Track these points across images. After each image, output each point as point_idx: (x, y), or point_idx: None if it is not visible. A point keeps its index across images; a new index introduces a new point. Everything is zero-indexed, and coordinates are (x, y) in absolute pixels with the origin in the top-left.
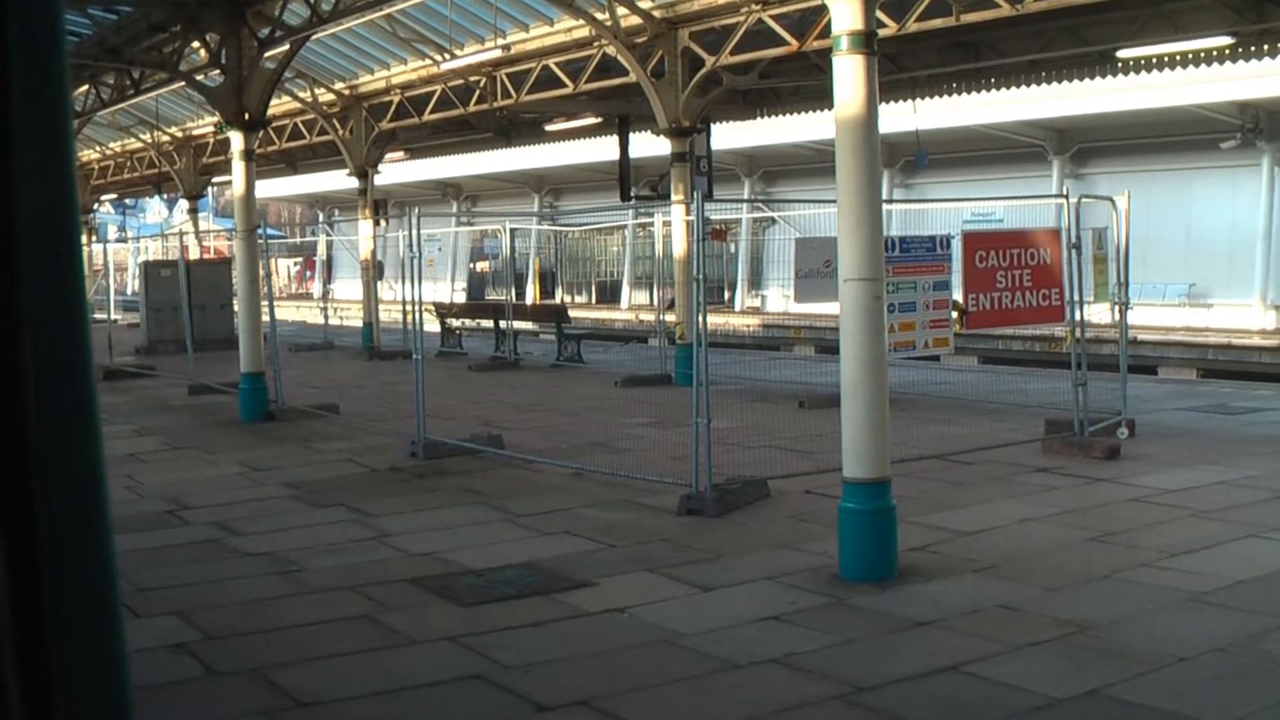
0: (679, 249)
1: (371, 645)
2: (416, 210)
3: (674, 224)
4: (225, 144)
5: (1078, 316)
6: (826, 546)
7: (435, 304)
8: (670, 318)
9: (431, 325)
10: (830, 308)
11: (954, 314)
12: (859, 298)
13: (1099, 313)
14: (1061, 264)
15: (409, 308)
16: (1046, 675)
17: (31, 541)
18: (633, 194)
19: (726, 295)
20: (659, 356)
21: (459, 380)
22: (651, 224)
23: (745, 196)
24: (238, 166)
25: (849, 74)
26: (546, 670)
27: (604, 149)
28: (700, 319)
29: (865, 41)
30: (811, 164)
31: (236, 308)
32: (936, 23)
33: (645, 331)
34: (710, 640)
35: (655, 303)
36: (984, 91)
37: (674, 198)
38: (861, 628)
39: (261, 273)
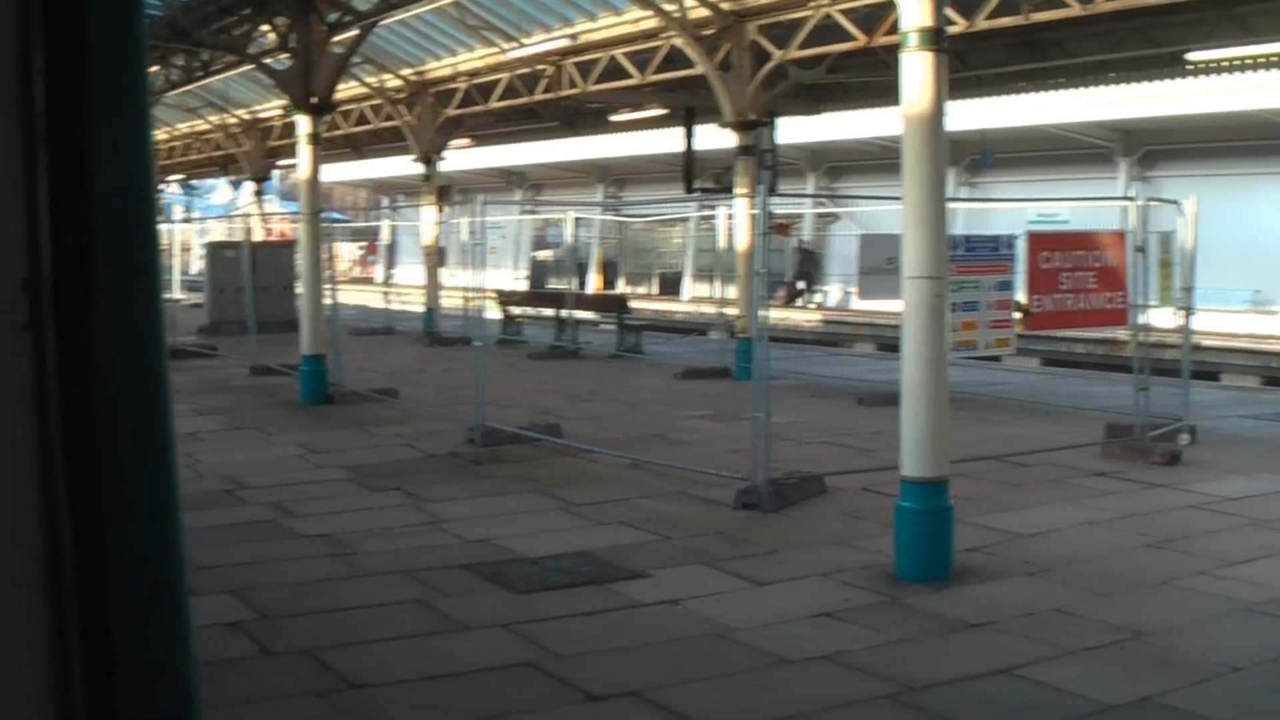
0: (742, 242)
1: (423, 630)
2: (482, 198)
3: (737, 217)
4: (292, 127)
5: (1141, 320)
6: (881, 545)
7: (497, 291)
8: (784, 313)
9: (493, 313)
10: (892, 305)
11: (1016, 314)
12: (921, 296)
13: (1162, 317)
14: (1126, 267)
15: (470, 294)
16: (1098, 681)
17: (100, 518)
18: (696, 186)
19: (801, 288)
20: (719, 349)
21: (518, 368)
22: (713, 216)
23: (809, 191)
24: (303, 150)
25: (917, 71)
26: (597, 660)
27: (668, 140)
28: (762, 313)
29: (934, 38)
30: (877, 160)
31: (299, 290)
32: (1005, 21)
33: (705, 324)
34: (762, 635)
35: (718, 295)
36: (1051, 91)
37: (738, 191)
38: (914, 627)
39: (324, 256)
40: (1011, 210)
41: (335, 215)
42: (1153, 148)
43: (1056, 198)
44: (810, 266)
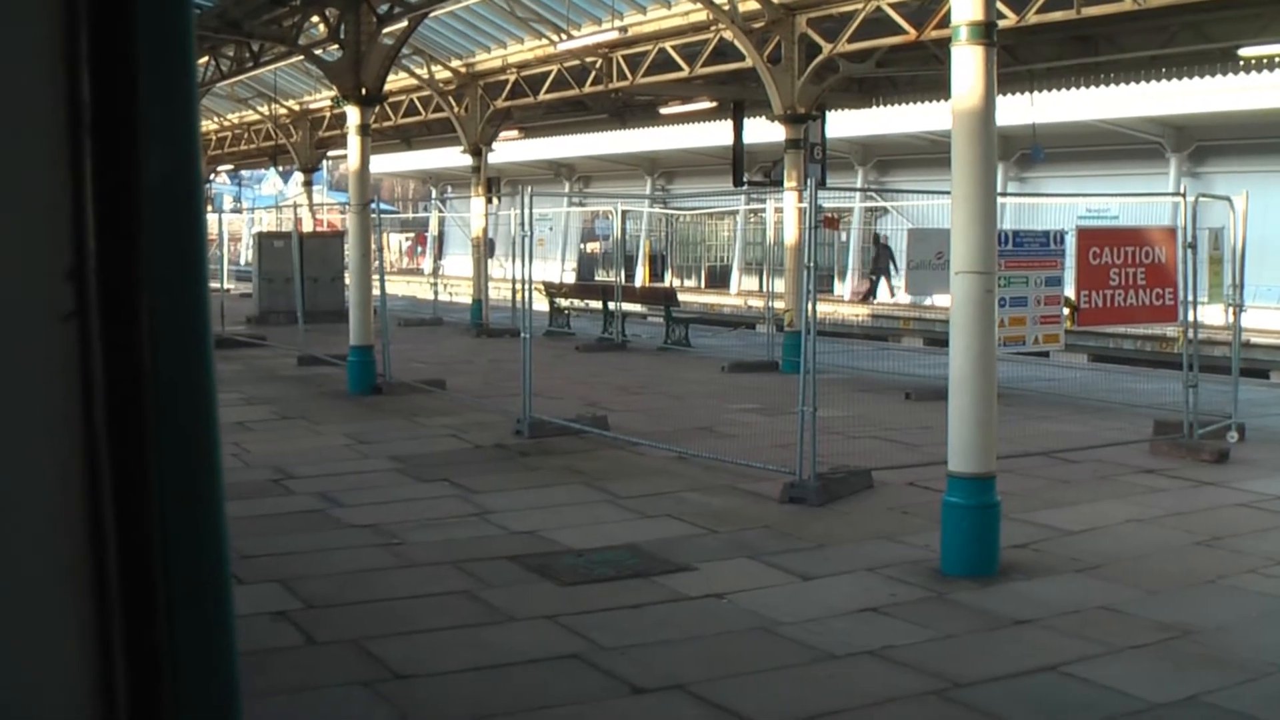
0: (790, 236)
1: (470, 621)
2: (529, 189)
3: (786, 211)
4: (341, 118)
5: (1190, 317)
6: (928, 540)
7: (544, 283)
8: (862, 310)
9: (540, 304)
10: (939, 299)
11: (1065, 310)
12: (970, 291)
13: (1212, 314)
14: (1176, 263)
15: (518, 286)
16: (1146, 679)
17: (144, 506)
18: (745, 179)
19: (877, 283)
20: (767, 343)
21: (565, 360)
22: (761, 210)
23: (858, 185)
24: (353, 141)
25: (968, 65)
26: (643, 653)
27: (717, 133)
28: (810, 306)
29: (985, 32)
30: (927, 154)
31: (347, 281)
32: (1057, 15)
33: (753, 317)
34: (808, 630)
35: (765, 288)
36: (1102, 86)
37: (787, 184)
38: (960, 623)
39: (374, 247)
40: (1061, 205)
41: (384, 206)
42: (1203, 143)
43: (1107, 193)
44: (887, 260)
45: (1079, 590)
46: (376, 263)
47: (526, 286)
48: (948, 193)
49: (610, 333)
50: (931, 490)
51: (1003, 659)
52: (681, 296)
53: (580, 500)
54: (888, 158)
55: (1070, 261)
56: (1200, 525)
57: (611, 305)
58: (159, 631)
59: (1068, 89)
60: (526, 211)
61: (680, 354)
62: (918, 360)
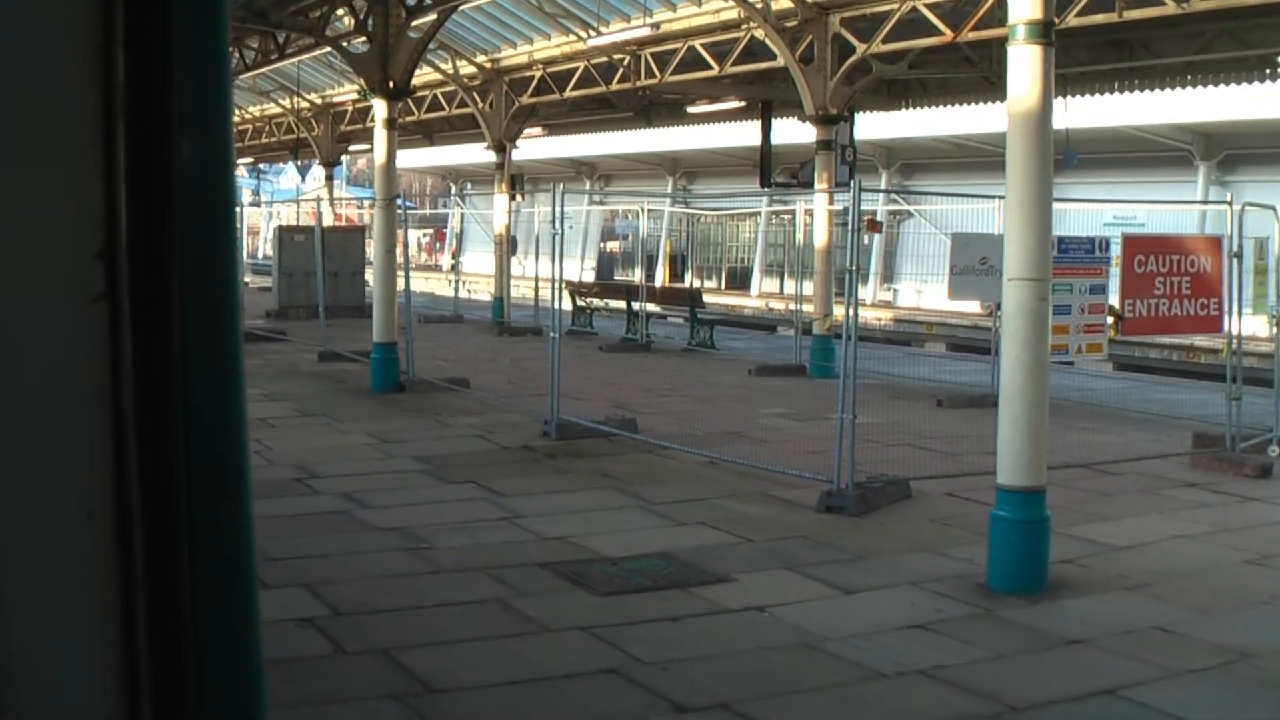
0: (820, 238)
1: (503, 631)
2: (560, 186)
3: (816, 212)
4: (364, 112)
5: (1234, 328)
6: (971, 553)
7: (569, 282)
8: (885, 314)
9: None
10: (967, 305)
11: (1109, 319)
12: (1024, 298)
13: (1255, 325)
14: (1221, 273)
15: (548, 285)
16: (1208, 705)
17: (171, 490)
18: (773, 181)
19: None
20: (794, 347)
21: (590, 360)
22: (784, 211)
23: (882, 187)
24: (380, 135)
25: (1025, 65)
26: (685, 668)
27: (740, 134)
28: (852, 311)
29: (1043, 31)
30: (952, 158)
31: (368, 276)
32: (1098, 18)
33: (775, 320)
34: (854, 646)
35: (794, 291)
36: (1136, 92)
37: (818, 186)
38: (1012, 642)
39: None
40: (1087, 211)
41: (406, 204)
42: (1233, 151)
43: (1136, 199)
44: None
45: (1130, 609)
46: (401, 259)
47: (556, 285)
48: (990, 196)
49: (634, 333)
50: (972, 501)
51: (1058, 681)
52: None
53: (611, 505)
54: (912, 161)
55: (1115, 269)
56: (1248, 543)
57: (635, 305)
58: (184, 616)
59: (1101, 94)
60: (558, 209)
61: (705, 356)
62: (946, 366)
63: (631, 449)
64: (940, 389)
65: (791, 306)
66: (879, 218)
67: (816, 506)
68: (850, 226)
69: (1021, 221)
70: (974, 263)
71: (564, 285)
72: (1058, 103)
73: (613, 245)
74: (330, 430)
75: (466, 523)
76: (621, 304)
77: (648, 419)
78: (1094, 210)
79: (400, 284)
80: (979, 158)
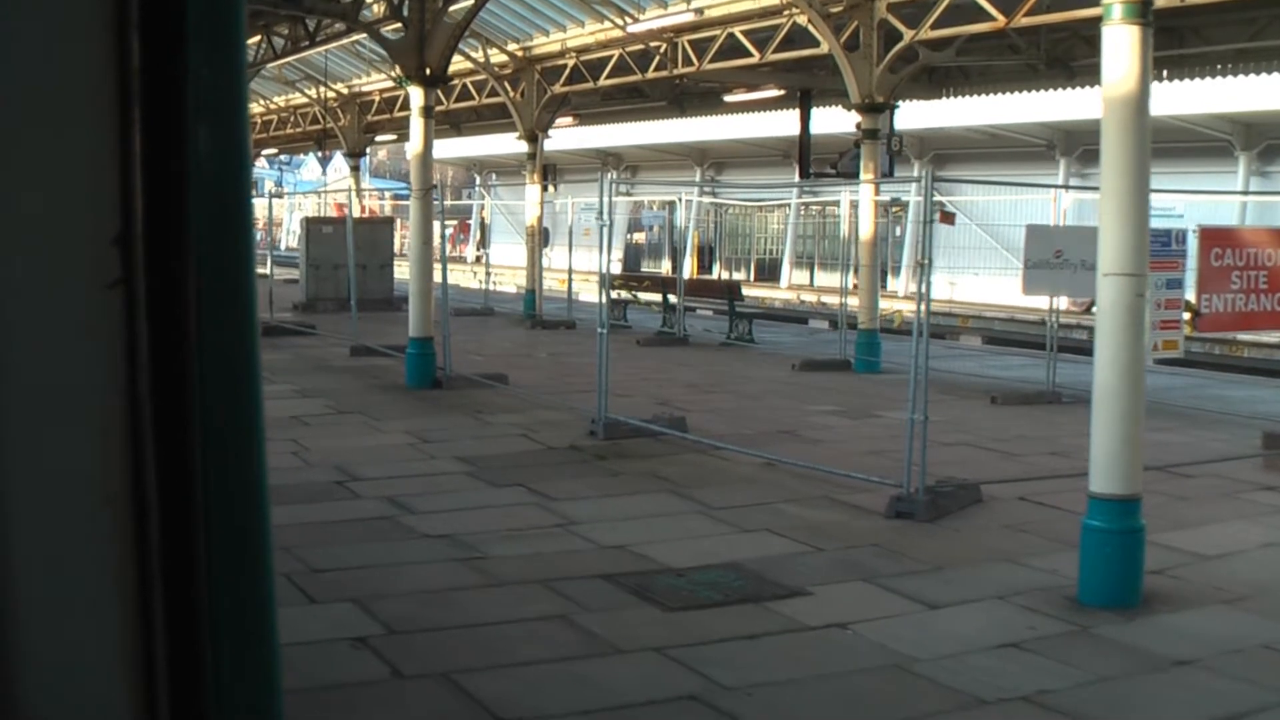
0: (866, 230)
1: (570, 652)
2: (610, 175)
3: (862, 203)
4: (391, 102)
5: None
6: (1054, 563)
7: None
8: (885, 303)
9: (589, 295)
10: (1004, 297)
11: (1185, 315)
12: (1120, 295)
13: None
14: None
15: (581, 277)
16: None
17: (188, 473)
18: (812, 171)
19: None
20: (839, 341)
21: (628, 355)
22: (815, 203)
23: (915, 177)
24: (416, 123)
25: (1122, 46)
26: (770, 694)
27: (769, 124)
28: (924, 308)
29: (1140, 11)
30: (985, 149)
31: (397, 268)
32: (1160, 2)
33: (806, 312)
34: (946, 668)
35: (838, 284)
36: (1186, 80)
37: (864, 176)
38: (1114, 664)
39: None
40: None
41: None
42: (1274, 141)
43: (1177, 189)
44: None
45: (1233, 625)
46: (438, 250)
47: (604, 278)
48: (1053, 186)
49: (670, 326)
50: (1045, 506)
51: (1175, 709)
52: None
53: (669, 510)
54: (945, 151)
55: (1191, 263)
56: None
57: (672, 299)
58: (200, 597)
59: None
60: (605, 199)
61: (744, 350)
62: (991, 361)
63: (683, 449)
64: (990, 385)
65: (823, 299)
66: (909, 209)
67: (885, 512)
68: (921, 218)
69: (1118, 213)
70: (1049, 256)
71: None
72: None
73: (639, 237)
74: (368, 429)
75: (519, 530)
76: (651, 296)
77: (695, 417)
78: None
79: (436, 276)
80: (1013, 148)
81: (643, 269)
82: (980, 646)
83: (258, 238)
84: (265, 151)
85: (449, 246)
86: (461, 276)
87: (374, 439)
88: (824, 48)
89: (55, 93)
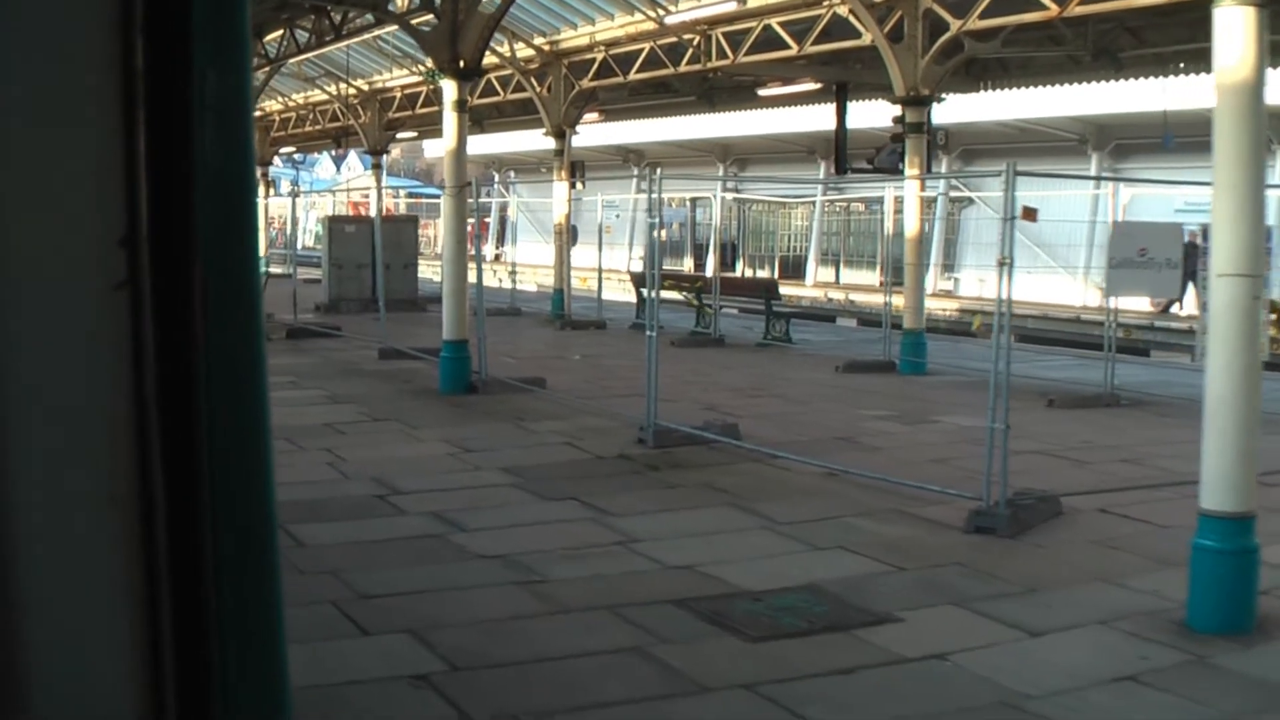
0: (911, 227)
1: (651, 691)
2: (658, 171)
3: (907, 199)
4: (412, 99)
5: None
6: (1154, 584)
7: (634, 274)
8: (950, 304)
9: (614, 294)
10: (1036, 294)
11: (1272, 316)
12: (1236, 297)
13: None
14: None
15: (610, 276)
16: None
17: (194, 473)
18: (849, 167)
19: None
20: (884, 341)
21: (664, 356)
22: (841, 200)
23: (943, 172)
24: (449, 118)
25: (1236, 29)
26: None
27: (795, 119)
28: (1003, 310)
29: None
30: (1014, 143)
31: (421, 268)
32: None
33: (834, 310)
34: (1063, 706)
35: (883, 282)
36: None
37: (909, 172)
38: (1241, 699)
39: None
40: (1158, 197)
41: (434, 191)
42: None
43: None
44: (1194, 264)
45: None
46: (472, 250)
47: (655, 277)
48: (1090, 177)
49: (705, 326)
50: (1130, 519)
51: None
52: None
53: (733, 526)
54: (972, 146)
55: (1277, 260)
56: None
57: (705, 298)
58: (207, 597)
59: (1192, 74)
60: (655, 196)
61: (783, 350)
62: (1043, 361)
63: (738, 458)
64: (1043, 387)
65: (851, 296)
66: (937, 205)
67: (964, 527)
68: (1004, 214)
69: (1234, 209)
70: (1134, 254)
71: (626, 276)
72: (1157, 83)
73: (661, 234)
74: (405, 438)
75: (577, 549)
76: (676, 295)
77: (745, 423)
78: (1166, 197)
79: (471, 276)
80: (1043, 142)
81: (665, 266)
82: (1094, 680)
83: (277, 238)
84: (283, 150)
85: (470, 245)
86: (486, 276)
87: (412, 448)
88: (865, 39)
89: (60, 94)
